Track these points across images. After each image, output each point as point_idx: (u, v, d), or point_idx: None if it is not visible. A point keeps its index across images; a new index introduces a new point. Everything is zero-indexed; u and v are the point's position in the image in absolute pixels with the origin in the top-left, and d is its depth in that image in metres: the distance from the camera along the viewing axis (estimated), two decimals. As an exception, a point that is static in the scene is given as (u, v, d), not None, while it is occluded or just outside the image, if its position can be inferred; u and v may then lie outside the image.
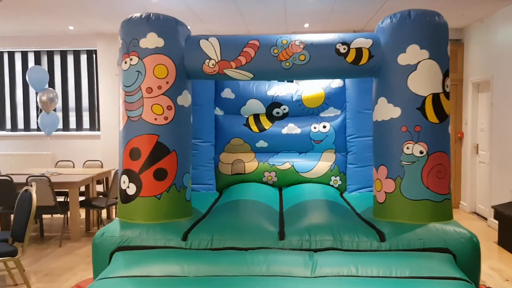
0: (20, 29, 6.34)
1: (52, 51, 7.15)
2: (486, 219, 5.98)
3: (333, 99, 4.19)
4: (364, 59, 2.85)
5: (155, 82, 2.75)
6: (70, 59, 7.24)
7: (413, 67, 2.74)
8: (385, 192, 2.86)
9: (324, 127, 4.19)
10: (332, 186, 4.22)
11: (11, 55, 7.11)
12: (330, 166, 4.20)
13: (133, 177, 2.76)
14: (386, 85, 2.84)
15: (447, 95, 2.81)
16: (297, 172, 4.21)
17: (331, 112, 4.24)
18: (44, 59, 7.19)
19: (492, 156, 5.82)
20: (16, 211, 3.08)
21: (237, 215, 3.00)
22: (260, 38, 2.88)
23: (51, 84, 7.14)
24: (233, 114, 4.28)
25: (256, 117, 4.29)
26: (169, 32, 2.81)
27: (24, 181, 4.39)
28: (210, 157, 4.16)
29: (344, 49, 2.85)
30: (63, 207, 4.64)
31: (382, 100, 2.87)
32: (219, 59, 2.82)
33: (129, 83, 2.78)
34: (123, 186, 2.81)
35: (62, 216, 4.74)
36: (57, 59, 7.22)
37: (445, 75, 2.80)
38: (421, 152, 2.75)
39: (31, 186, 3.03)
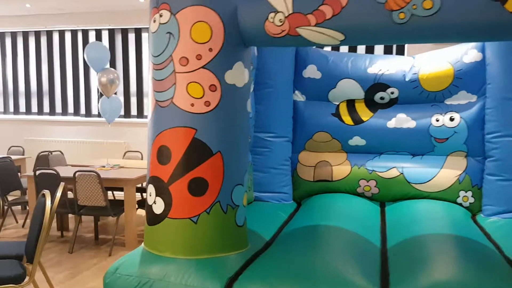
0: (72, 5, 6.05)
1: (126, 28, 6.82)
2: None
3: (466, 79, 3.02)
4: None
5: (192, 49, 1.94)
6: (132, 38, 6.84)
7: None
8: None
9: (452, 119, 3.05)
10: (460, 205, 3.09)
11: (85, 33, 6.94)
12: (458, 176, 3.07)
13: (160, 188, 2.00)
14: None
15: None
16: (409, 182, 3.15)
17: (462, 98, 3.08)
18: (119, 38, 6.90)
19: None
20: (32, 222, 2.57)
21: (313, 254, 2.08)
22: (356, -22, 1.90)
23: (126, 65, 6.83)
24: (319, 100, 3.34)
25: (351, 104, 3.29)
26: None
27: (72, 175, 3.96)
28: (285, 157, 3.28)
29: (504, -12, 1.75)
30: (116, 208, 4.15)
31: None
32: (290, 11, 1.91)
33: (158, 51, 2.00)
34: (150, 201, 2.06)
35: (115, 218, 4.23)
36: (131, 37, 6.88)
37: None
38: None
39: (45, 191, 2.47)
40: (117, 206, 4.23)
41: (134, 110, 7.11)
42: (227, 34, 1.97)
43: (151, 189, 2.06)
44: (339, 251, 2.15)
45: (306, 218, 2.76)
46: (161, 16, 1.98)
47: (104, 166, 4.86)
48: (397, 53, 5.36)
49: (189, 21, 1.93)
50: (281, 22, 1.94)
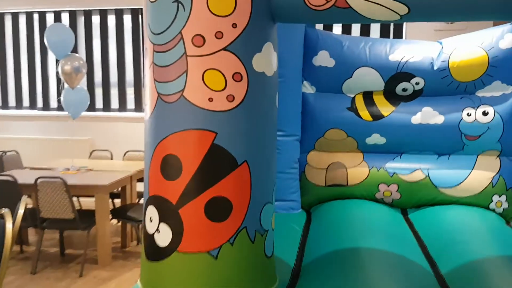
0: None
1: (90, 10, 6.15)
2: None
3: (502, 68, 2.67)
4: None
5: (211, 25, 1.46)
6: (111, 20, 6.20)
7: None
8: None
9: (485, 113, 2.71)
10: (493, 211, 2.76)
11: (42, 16, 6.21)
12: (492, 178, 2.73)
13: (166, 212, 1.52)
14: None
15: None
16: (435, 186, 2.79)
17: (496, 89, 2.73)
18: (81, 21, 6.22)
19: None
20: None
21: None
22: None
23: (89, 52, 6.18)
24: (331, 91, 2.91)
25: (368, 96, 2.89)
26: None
27: (33, 182, 3.37)
28: (293, 159, 2.84)
29: None
30: (86, 220, 3.59)
31: None
32: (342, -25, 1.46)
33: (161, 27, 1.50)
34: (150, 228, 1.57)
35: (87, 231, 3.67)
36: (95, 20, 6.22)
37: None
38: None
39: (5, 210, 1.93)
40: (86, 217, 3.67)
41: (99, 103, 6.50)
42: (255, 5, 1.50)
43: (151, 212, 1.57)
44: (387, 280, 1.74)
45: (327, 234, 2.34)
46: (164, -22, 1.48)
47: (68, 169, 4.27)
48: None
49: (206, -13, 1.44)
50: (327, -10, 1.48)
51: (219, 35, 1.45)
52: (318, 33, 2.90)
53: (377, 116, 2.85)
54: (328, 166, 2.93)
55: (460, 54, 2.71)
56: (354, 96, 2.91)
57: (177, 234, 1.50)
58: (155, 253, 1.55)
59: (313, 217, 2.80)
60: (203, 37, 1.45)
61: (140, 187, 4.82)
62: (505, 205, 2.74)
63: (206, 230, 1.49)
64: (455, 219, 2.55)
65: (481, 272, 1.85)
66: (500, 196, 2.73)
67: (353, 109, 2.88)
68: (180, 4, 1.46)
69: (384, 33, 5.11)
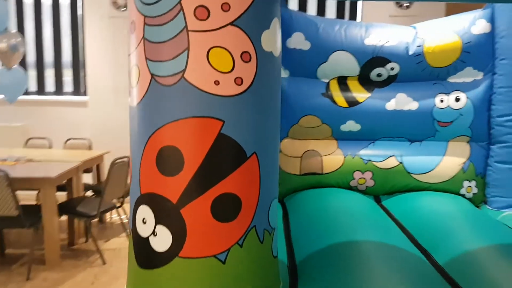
0: None
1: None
2: None
3: (474, 54, 2.70)
4: None
5: (216, -5, 1.26)
6: (45, -4, 5.64)
7: None
8: None
9: (458, 99, 2.73)
10: (464, 196, 2.81)
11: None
12: (462, 164, 2.78)
13: (165, 212, 1.32)
14: None
15: None
16: (409, 173, 2.79)
17: (467, 75, 2.76)
18: (10, -3, 5.59)
19: None
20: None
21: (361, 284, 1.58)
22: None
23: (21, 30, 5.58)
24: (305, 76, 2.80)
25: (343, 81, 2.81)
26: None
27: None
28: (268, 147, 2.70)
29: None
30: (31, 217, 3.22)
31: None
32: None
33: (155, -5, 1.28)
34: (143, 231, 1.36)
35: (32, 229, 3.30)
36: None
37: None
38: None
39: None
40: (31, 214, 3.30)
41: (33, 86, 5.94)
42: (265, -25, 1.32)
43: (145, 213, 1.36)
44: (389, 272, 1.67)
45: (313, 227, 2.24)
46: None
47: (5, 160, 3.83)
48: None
49: None
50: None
51: (225, 7, 1.26)
52: (291, 13, 2.77)
53: (352, 103, 2.78)
54: (302, 154, 2.83)
55: (435, 39, 2.70)
56: (329, 81, 2.82)
57: (179, 237, 1.30)
58: (150, 259, 1.35)
59: (289, 208, 2.69)
60: (207, 8, 1.25)
61: (86, 178, 4.45)
62: (475, 190, 2.79)
63: (213, 232, 1.31)
64: (433, 206, 2.55)
65: (475, 260, 1.84)
66: (470, 182, 2.79)
67: (328, 95, 2.79)
68: (180, -30, 1.24)
69: (339, 15, 5.09)
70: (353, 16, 5.11)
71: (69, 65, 5.86)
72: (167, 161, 1.30)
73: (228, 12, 1.26)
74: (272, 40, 1.37)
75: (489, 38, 2.67)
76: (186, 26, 1.25)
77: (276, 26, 1.40)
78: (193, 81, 1.27)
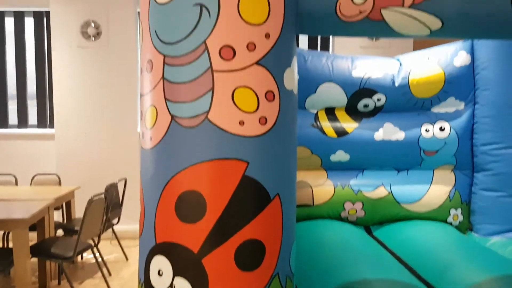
0: None
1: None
2: None
3: (456, 84, 2.79)
4: None
5: (242, 34, 1.22)
6: (10, 23, 5.42)
7: None
8: None
9: (442, 129, 2.79)
10: (450, 224, 2.86)
11: None
12: (449, 192, 2.83)
13: (185, 263, 1.23)
14: None
15: None
16: (398, 202, 2.80)
17: (450, 105, 2.84)
18: (-31, 23, 5.35)
19: None
20: None
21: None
22: None
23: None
24: (294, 107, 2.79)
25: (331, 112, 2.83)
26: None
27: None
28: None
29: None
30: (3, 261, 2.98)
31: None
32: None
33: (177, 34, 1.23)
34: (158, 284, 1.26)
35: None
36: (-12, 24, 5.40)
37: None
38: None
39: None
40: (1, 257, 3.05)
41: (13, 119, 5.67)
42: (287, 14, 1.30)
43: (161, 264, 1.26)
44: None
45: (316, 265, 2.19)
46: (182, -25, 1.21)
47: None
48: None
49: (237, -12, 1.20)
50: (362, 0, 1.34)
51: (251, 46, 1.22)
52: (279, 45, 2.77)
53: (341, 133, 2.79)
54: (292, 186, 2.80)
55: (419, 71, 2.77)
56: (317, 112, 2.82)
57: (201, 289, 1.22)
58: (168, 313, 1.25)
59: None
60: (233, 48, 1.21)
61: (57, 216, 4.21)
62: (461, 218, 2.84)
63: (236, 283, 1.23)
64: (425, 236, 2.57)
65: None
66: (456, 210, 2.83)
67: (317, 125, 2.79)
68: (204, 9, 1.20)
69: (312, 46, 5.18)
70: (325, 47, 5.22)
71: (34, 96, 5.62)
72: (188, 207, 1.23)
73: (254, 52, 1.23)
74: (292, 78, 1.34)
75: (470, 70, 2.77)
76: (211, 66, 1.21)
77: (295, 64, 1.38)
78: (217, 122, 1.21)
